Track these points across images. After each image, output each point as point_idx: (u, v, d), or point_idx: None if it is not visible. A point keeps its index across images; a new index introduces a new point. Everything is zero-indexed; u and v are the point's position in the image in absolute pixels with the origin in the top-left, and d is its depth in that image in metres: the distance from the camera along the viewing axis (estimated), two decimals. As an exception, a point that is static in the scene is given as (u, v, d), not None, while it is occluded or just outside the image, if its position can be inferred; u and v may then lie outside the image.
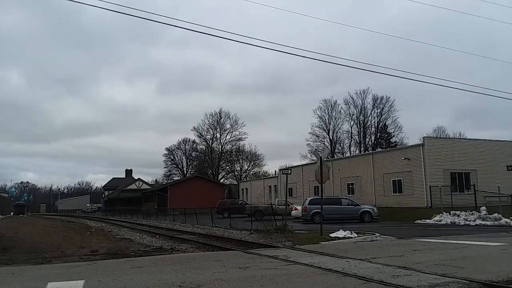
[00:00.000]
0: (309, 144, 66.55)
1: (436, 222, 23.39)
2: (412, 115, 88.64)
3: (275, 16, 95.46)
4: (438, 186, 27.53)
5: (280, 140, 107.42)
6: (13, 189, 63.64)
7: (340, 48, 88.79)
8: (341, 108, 64.98)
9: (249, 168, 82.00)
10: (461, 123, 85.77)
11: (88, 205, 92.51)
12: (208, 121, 78.89)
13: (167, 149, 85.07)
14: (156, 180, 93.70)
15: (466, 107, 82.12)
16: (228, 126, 78.63)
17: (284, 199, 25.85)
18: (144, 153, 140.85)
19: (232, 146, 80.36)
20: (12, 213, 46.97)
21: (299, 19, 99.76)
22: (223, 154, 79.91)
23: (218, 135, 79.74)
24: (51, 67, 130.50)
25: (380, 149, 54.15)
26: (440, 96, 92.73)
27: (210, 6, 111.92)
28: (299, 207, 27.95)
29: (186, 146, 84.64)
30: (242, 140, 79.22)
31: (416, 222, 24.43)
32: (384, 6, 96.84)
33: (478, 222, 21.93)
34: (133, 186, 75.85)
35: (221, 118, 78.33)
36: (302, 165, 47.91)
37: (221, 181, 75.05)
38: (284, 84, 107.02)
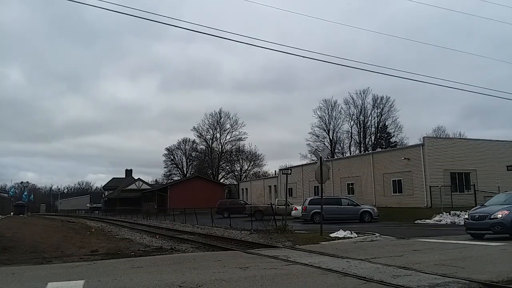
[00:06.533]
0: (309, 144, 66.65)
1: (436, 222, 23.40)
2: (417, 114, 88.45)
3: (282, 12, 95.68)
4: (438, 186, 27.51)
5: (283, 139, 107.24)
6: (13, 189, 63.49)
7: (349, 45, 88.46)
8: (341, 108, 65.07)
9: (249, 168, 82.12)
10: (468, 122, 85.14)
11: (88, 204, 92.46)
12: (208, 121, 78.99)
13: (167, 149, 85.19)
14: (156, 180, 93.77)
15: (474, 106, 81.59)
16: (228, 126, 78.74)
17: (284, 199, 25.85)
18: (144, 152, 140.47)
19: (232, 146, 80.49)
20: (12, 213, 46.92)
21: (307, 17, 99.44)
22: (223, 154, 79.93)
23: (218, 135, 79.85)
24: (51, 63, 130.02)
25: (380, 149, 54.13)
26: (448, 94, 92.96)
27: (216, 1, 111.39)
28: (299, 207, 27.93)
29: (186, 146, 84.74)
30: (242, 140, 79.37)
31: (416, 222, 24.43)
32: (395, 1, 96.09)
33: (478, 222, 21.90)
34: (133, 186, 75.83)
35: (221, 118, 78.43)
36: (302, 165, 47.89)
37: (221, 181, 75.06)
38: (290, 82, 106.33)
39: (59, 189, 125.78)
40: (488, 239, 12.41)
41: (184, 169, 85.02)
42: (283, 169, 40.93)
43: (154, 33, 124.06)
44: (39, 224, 26.68)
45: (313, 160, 45.79)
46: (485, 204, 14.02)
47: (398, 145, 57.34)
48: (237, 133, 78.47)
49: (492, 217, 12.31)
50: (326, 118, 65.44)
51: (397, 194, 32.19)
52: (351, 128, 64.98)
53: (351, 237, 14.29)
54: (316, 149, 50.54)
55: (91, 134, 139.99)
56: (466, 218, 13.63)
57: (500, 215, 12.16)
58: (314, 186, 40.24)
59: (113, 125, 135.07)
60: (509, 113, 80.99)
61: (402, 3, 73.61)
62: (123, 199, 71.31)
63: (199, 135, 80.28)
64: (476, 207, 14.28)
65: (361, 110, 63.93)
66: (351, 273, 6.99)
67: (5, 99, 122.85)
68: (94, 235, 20.87)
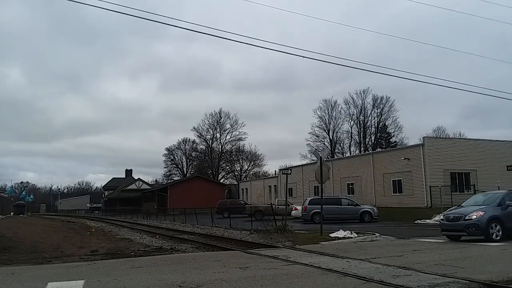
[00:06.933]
0: (309, 144, 66.60)
1: (436, 222, 23.34)
2: (417, 114, 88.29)
3: (283, 12, 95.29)
4: (438, 186, 27.52)
5: (283, 139, 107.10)
6: (10, 189, 63.21)
7: (350, 45, 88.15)
8: (341, 108, 65.02)
9: (249, 168, 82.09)
10: (468, 122, 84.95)
11: (88, 204, 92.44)
12: (208, 121, 78.95)
13: (167, 149, 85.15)
14: (156, 180, 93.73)
15: (474, 106, 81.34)
16: (228, 126, 78.70)
17: (284, 199, 25.85)
18: (145, 152, 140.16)
19: (232, 146, 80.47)
20: (12, 213, 46.93)
21: (307, 17, 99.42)
22: (223, 154, 79.93)
23: (218, 135, 79.83)
24: (51, 63, 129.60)
25: (380, 149, 54.13)
26: (448, 94, 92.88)
27: (216, 1, 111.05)
28: (299, 207, 27.93)
29: (186, 146, 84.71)
30: (242, 140, 79.34)
31: (416, 222, 24.43)
32: (395, 1, 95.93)
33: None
34: (133, 186, 75.82)
35: (221, 118, 78.39)
36: (302, 165, 47.90)
37: (221, 181, 75.04)
38: (291, 81, 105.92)
39: (59, 189, 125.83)
40: (467, 241, 12.14)
41: (184, 169, 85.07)
42: (283, 169, 40.93)
43: (154, 33, 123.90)
44: (39, 224, 26.68)
45: (313, 160, 45.81)
46: (462, 205, 13.66)
47: (398, 145, 57.32)
48: (237, 133, 78.54)
49: (466, 218, 11.95)
50: (326, 118, 65.50)
51: (397, 194, 32.19)
52: (351, 128, 65.03)
53: (351, 237, 14.29)
54: (316, 149, 50.51)
55: (91, 134, 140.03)
56: (442, 219, 13.25)
57: (475, 216, 11.83)
58: (314, 186, 40.23)
59: (113, 125, 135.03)
60: (509, 113, 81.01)
61: (402, 3, 73.70)
62: (123, 199, 71.29)
63: (199, 135, 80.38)
64: (452, 208, 13.85)
65: (361, 110, 63.97)
66: (351, 273, 7.00)
67: (5, 99, 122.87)
68: (94, 235, 20.86)
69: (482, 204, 12.63)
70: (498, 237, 11.75)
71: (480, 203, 12.82)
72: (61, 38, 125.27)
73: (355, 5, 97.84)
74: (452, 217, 12.55)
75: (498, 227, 11.84)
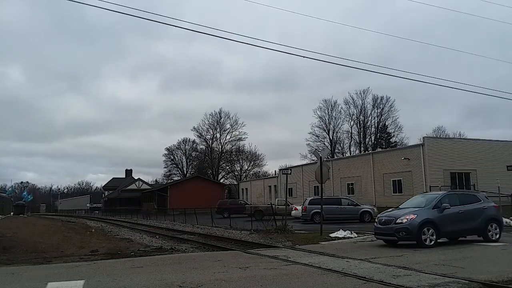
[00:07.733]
0: (309, 144, 66.62)
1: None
2: (417, 114, 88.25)
3: (284, 12, 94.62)
4: (438, 186, 27.48)
5: (284, 138, 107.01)
6: (11, 188, 63.21)
7: (351, 45, 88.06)
8: (341, 108, 65.05)
9: (249, 168, 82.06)
10: (469, 122, 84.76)
11: (88, 204, 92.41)
12: (208, 121, 78.92)
13: (167, 149, 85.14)
14: (156, 180, 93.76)
15: (475, 105, 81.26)
16: (228, 126, 78.68)
17: (284, 199, 25.85)
18: (145, 152, 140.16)
19: (232, 146, 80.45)
20: (12, 213, 46.94)
21: (309, 17, 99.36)
22: (223, 154, 79.92)
23: (218, 135, 79.81)
24: (52, 62, 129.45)
25: (380, 149, 54.12)
26: (448, 94, 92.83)
27: (217, 0, 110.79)
28: (299, 207, 27.92)
29: (186, 146, 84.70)
30: (242, 140, 79.30)
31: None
32: (396, 1, 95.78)
33: (478, 222, 21.86)
34: (133, 186, 75.84)
35: (221, 118, 78.37)
36: (302, 165, 47.90)
37: (221, 181, 75.01)
38: (292, 81, 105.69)
39: (59, 189, 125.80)
40: (413, 246, 11.00)
41: (184, 169, 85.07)
42: (283, 169, 40.93)
43: (155, 32, 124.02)
44: (39, 224, 26.68)
45: (313, 160, 45.81)
46: (399, 207, 12.83)
47: (398, 145, 57.32)
48: (237, 133, 78.51)
49: (397, 221, 11.10)
50: (326, 118, 65.52)
51: (397, 194, 32.16)
52: (351, 128, 65.04)
53: (351, 237, 14.32)
54: (316, 149, 50.53)
55: (91, 134, 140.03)
56: (376, 222, 12.34)
57: (406, 220, 10.98)
58: (314, 186, 40.23)
59: (113, 125, 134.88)
60: (510, 113, 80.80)
61: (403, 3, 73.75)
62: (123, 199, 71.32)
63: (199, 135, 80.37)
64: (387, 210, 13.03)
65: (361, 110, 63.99)
66: (351, 273, 7.00)
67: (5, 99, 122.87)
68: (94, 235, 20.86)
69: (423, 206, 11.74)
70: (432, 242, 10.83)
71: (418, 205, 11.98)
72: (61, 37, 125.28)
73: (355, 5, 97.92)
74: (384, 220, 11.72)
75: (431, 231, 10.89)
